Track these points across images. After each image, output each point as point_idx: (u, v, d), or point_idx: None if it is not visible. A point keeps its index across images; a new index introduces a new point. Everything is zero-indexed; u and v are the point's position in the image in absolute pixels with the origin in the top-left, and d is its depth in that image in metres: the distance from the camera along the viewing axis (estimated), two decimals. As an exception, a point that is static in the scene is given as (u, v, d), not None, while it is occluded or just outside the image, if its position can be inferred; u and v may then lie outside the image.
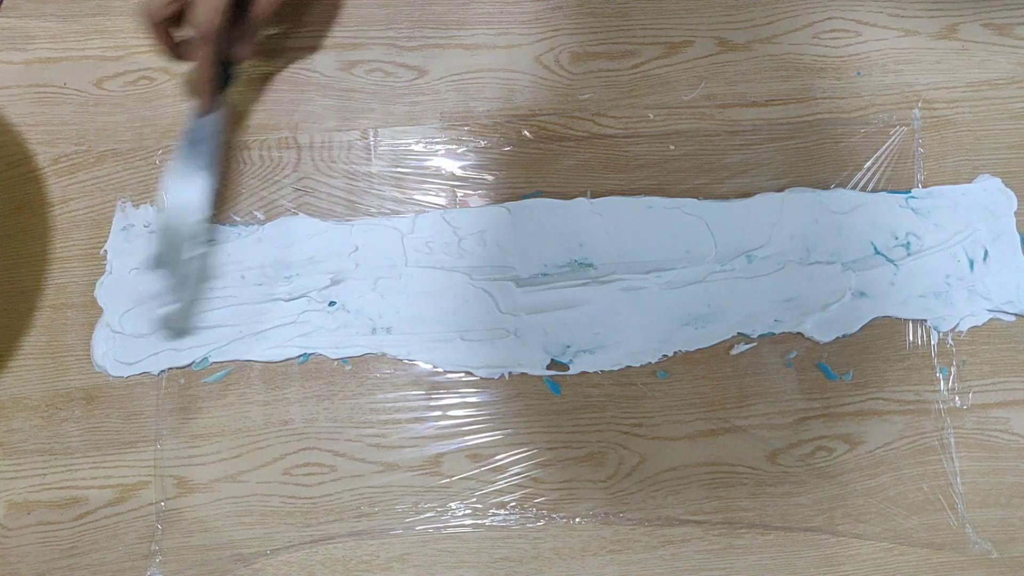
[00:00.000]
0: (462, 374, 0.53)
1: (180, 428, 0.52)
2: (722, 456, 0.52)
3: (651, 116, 0.57)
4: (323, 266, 0.54)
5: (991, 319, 0.54)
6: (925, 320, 0.54)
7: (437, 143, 0.56)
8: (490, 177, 0.56)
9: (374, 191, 0.55)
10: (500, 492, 0.51)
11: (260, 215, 0.55)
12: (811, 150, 0.56)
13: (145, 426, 0.52)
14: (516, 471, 0.52)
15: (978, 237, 0.55)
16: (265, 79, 0.57)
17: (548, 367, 0.53)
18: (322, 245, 0.54)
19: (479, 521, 0.51)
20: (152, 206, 0.55)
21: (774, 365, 0.53)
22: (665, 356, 0.53)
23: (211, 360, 0.53)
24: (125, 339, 0.53)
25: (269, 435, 0.52)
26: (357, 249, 0.54)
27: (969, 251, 0.55)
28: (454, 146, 0.56)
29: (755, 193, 0.55)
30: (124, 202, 0.55)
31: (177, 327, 0.53)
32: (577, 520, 0.51)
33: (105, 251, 0.54)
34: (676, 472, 0.52)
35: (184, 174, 0.52)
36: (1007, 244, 0.55)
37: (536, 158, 0.56)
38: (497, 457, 0.52)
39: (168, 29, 0.51)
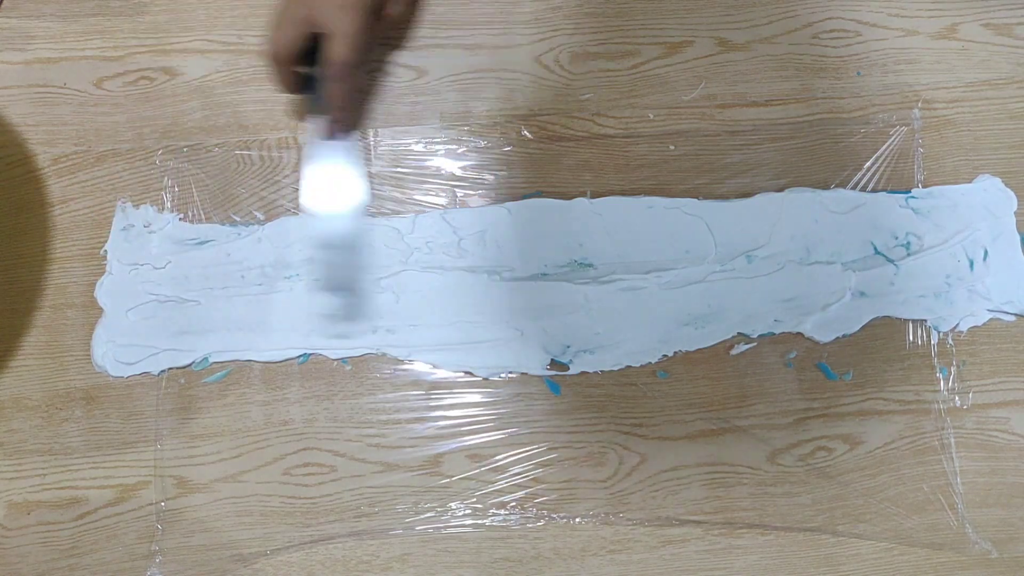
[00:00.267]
0: (462, 374, 0.53)
1: (180, 428, 0.52)
2: (722, 456, 0.52)
3: (651, 116, 0.57)
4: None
5: (991, 319, 0.54)
6: (925, 320, 0.54)
7: (437, 143, 0.56)
8: (490, 177, 0.56)
9: (374, 191, 0.55)
10: (500, 492, 0.51)
11: (260, 215, 0.55)
12: (811, 150, 0.56)
13: (145, 426, 0.52)
14: (516, 471, 0.52)
15: (978, 237, 0.55)
16: (265, 79, 0.57)
17: (548, 367, 0.53)
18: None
19: (479, 521, 0.51)
20: (152, 206, 0.55)
21: (774, 365, 0.53)
22: (665, 356, 0.53)
23: (211, 360, 0.53)
24: (126, 339, 0.53)
25: (269, 435, 0.52)
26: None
27: (969, 251, 0.55)
28: (454, 146, 0.56)
29: (755, 193, 0.55)
30: (124, 202, 0.55)
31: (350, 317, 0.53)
32: (577, 520, 0.51)
33: (105, 251, 0.54)
34: (676, 472, 0.52)
35: (335, 200, 0.53)
36: (1007, 244, 0.55)
37: (536, 158, 0.56)
38: (497, 457, 0.52)
39: (294, 67, 0.51)
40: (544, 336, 0.53)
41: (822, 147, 0.56)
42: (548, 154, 0.56)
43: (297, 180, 0.55)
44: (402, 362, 0.53)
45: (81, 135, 0.56)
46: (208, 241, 0.54)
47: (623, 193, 0.55)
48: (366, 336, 0.53)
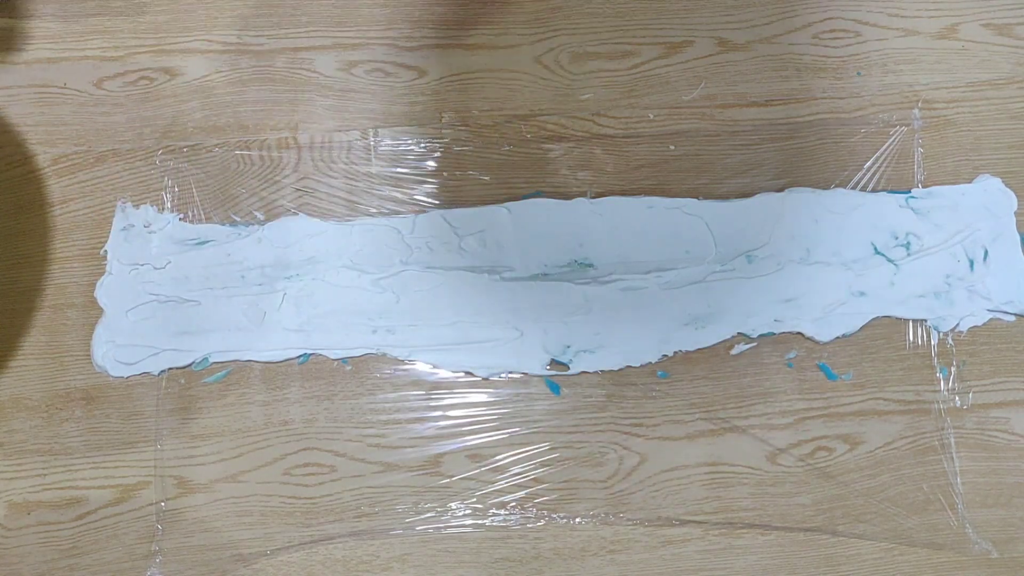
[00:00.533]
0: (462, 374, 0.53)
1: (180, 428, 0.52)
2: (722, 456, 0.52)
3: (651, 116, 0.57)
4: (322, 266, 0.54)
5: (991, 319, 0.54)
6: (925, 320, 0.54)
7: (437, 143, 0.56)
8: (490, 177, 0.56)
9: (374, 191, 0.55)
10: (500, 492, 0.51)
11: (260, 215, 0.55)
12: (811, 150, 0.56)
13: (145, 426, 0.52)
14: (516, 471, 0.52)
15: (978, 237, 0.55)
16: (265, 79, 0.57)
17: (548, 367, 0.53)
18: (322, 245, 0.54)
19: (479, 521, 0.51)
20: (152, 206, 0.55)
21: (774, 365, 0.53)
22: (665, 356, 0.53)
23: (211, 360, 0.53)
24: (126, 339, 0.53)
25: (269, 435, 0.52)
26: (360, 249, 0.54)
27: (969, 251, 0.55)
28: (454, 146, 0.56)
29: (755, 193, 0.55)
30: (124, 202, 0.55)
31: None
32: (577, 520, 0.51)
33: (105, 251, 0.54)
34: (676, 472, 0.52)
35: None
36: (1007, 244, 0.55)
37: (536, 158, 0.56)
38: (497, 457, 0.52)
39: None
40: (544, 336, 0.53)
41: (822, 147, 0.56)
42: (548, 154, 0.56)
43: (297, 180, 0.55)
44: (402, 362, 0.53)
45: (81, 135, 0.56)
46: (208, 241, 0.54)
47: (623, 193, 0.55)
48: (363, 326, 0.53)
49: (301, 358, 0.53)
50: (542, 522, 0.51)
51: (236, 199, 0.55)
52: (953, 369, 0.54)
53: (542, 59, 0.58)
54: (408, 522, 0.51)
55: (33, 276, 0.54)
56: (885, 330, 0.54)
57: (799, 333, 0.53)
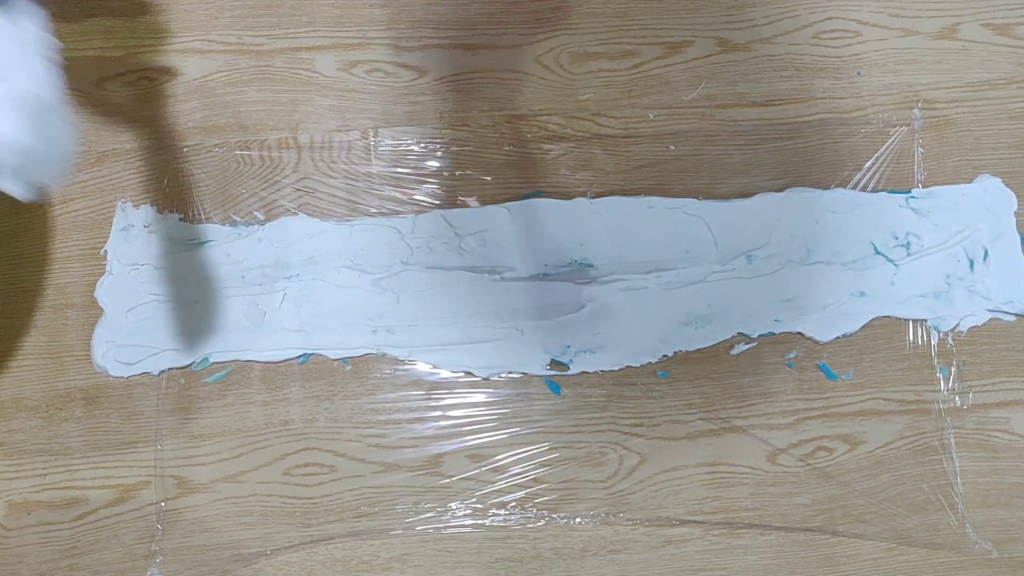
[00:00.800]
0: (462, 374, 0.53)
1: (180, 428, 0.52)
2: (722, 456, 0.52)
3: (651, 116, 0.57)
4: (322, 266, 0.54)
5: (991, 319, 0.54)
6: (925, 320, 0.54)
7: (437, 143, 0.56)
8: (490, 177, 0.56)
9: (374, 191, 0.55)
10: (500, 492, 0.51)
11: (260, 215, 0.55)
12: (811, 150, 0.56)
13: (145, 426, 0.52)
14: (516, 471, 0.52)
15: (978, 237, 0.55)
16: (265, 79, 0.57)
17: (548, 367, 0.53)
18: (322, 245, 0.54)
19: (479, 521, 0.51)
20: (152, 206, 0.55)
21: (774, 365, 0.53)
22: (665, 356, 0.53)
23: (211, 360, 0.53)
24: (126, 339, 0.53)
25: (269, 435, 0.52)
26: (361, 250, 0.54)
27: (969, 251, 0.55)
28: (454, 146, 0.56)
29: (755, 193, 0.55)
30: (124, 202, 0.55)
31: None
32: (577, 520, 0.51)
33: (105, 251, 0.54)
34: (676, 472, 0.52)
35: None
36: (1007, 244, 0.55)
37: (536, 158, 0.56)
38: (497, 457, 0.52)
39: None
40: (544, 336, 0.53)
41: (822, 147, 0.56)
42: (548, 154, 0.56)
43: (297, 180, 0.55)
44: (402, 362, 0.53)
45: (81, 135, 0.56)
46: (208, 241, 0.54)
47: (623, 193, 0.55)
48: (363, 326, 0.53)
49: (301, 358, 0.53)
50: (542, 522, 0.51)
51: (236, 199, 0.55)
52: (953, 369, 0.54)
53: (542, 59, 0.58)
54: (408, 522, 0.51)
55: (33, 276, 0.54)
56: (885, 330, 0.54)
57: (799, 333, 0.53)
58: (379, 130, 0.57)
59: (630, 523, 0.51)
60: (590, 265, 0.54)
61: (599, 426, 0.52)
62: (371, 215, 0.55)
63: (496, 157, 0.56)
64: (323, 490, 0.51)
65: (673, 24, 0.58)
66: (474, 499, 0.51)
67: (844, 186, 0.56)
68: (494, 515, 0.51)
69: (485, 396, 0.53)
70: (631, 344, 0.53)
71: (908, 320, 0.54)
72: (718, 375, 0.53)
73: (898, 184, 0.56)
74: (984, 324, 0.54)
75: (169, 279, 0.54)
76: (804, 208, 0.55)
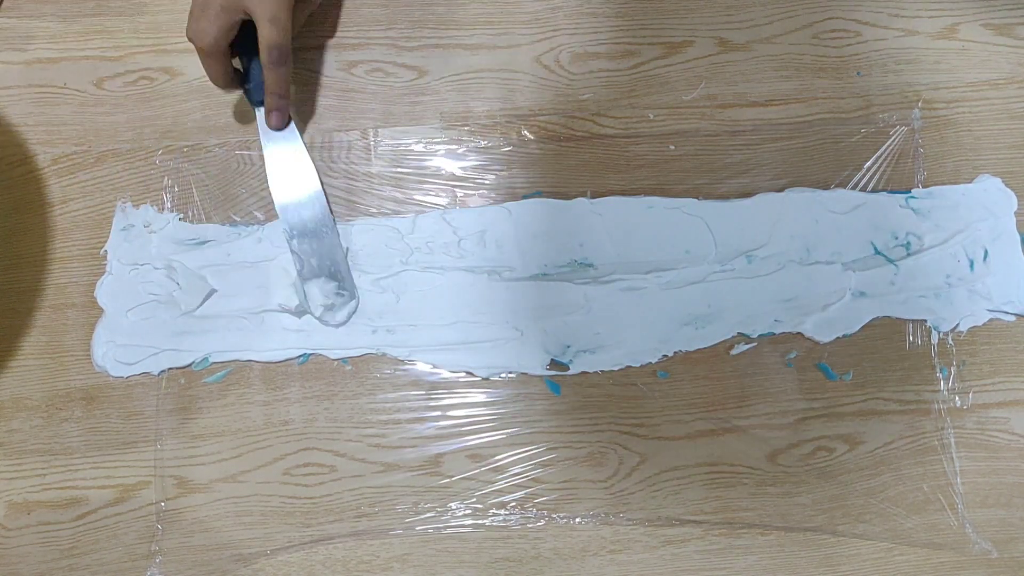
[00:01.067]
0: (462, 374, 0.53)
1: (180, 428, 0.52)
2: (722, 456, 0.52)
3: (651, 116, 0.57)
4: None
5: (991, 319, 0.54)
6: (925, 320, 0.54)
7: (437, 143, 0.56)
8: (490, 177, 0.56)
9: (374, 191, 0.55)
10: (500, 492, 0.51)
11: (260, 215, 0.55)
12: (811, 150, 0.56)
13: (145, 426, 0.52)
14: (516, 471, 0.52)
15: (978, 237, 0.55)
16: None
17: (548, 367, 0.53)
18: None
19: (479, 521, 0.51)
20: (152, 206, 0.55)
21: (774, 365, 0.53)
22: (665, 356, 0.53)
23: (211, 360, 0.53)
24: (126, 339, 0.53)
25: (269, 435, 0.52)
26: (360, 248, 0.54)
27: (969, 251, 0.55)
28: (454, 146, 0.56)
29: (755, 193, 0.55)
30: (124, 202, 0.55)
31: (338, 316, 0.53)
32: (577, 520, 0.51)
33: (105, 251, 0.54)
34: (676, 472, 0.52)
35: (293, 189, 0.54)
36: (1007, 244, 0.55)
37: (536, 158, 0.56)
38: (497, 457, 0.52)
39: (228, 57, 0.51)
40: (544, 336, 0.53)
41: (822, 147, 0.56)
42: (548, 154, 0.56)
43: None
44: (402, 362, 0.53)
45: (81, 135, 0.56)
46: (208, 241, 0.54)
47: (623, 193, 0.55)
48: (363, 326, 0.53)
49: (301, 358, 0.53)
50: (542, 522, 0.51)
51: (236, 199, 0.55)
52: (953, 369, 0.54)
53: (542, 59, 0.58)
54: (408, 522, 0.51)
55: (33, 276, 0.54)
56: (885, 330, 0.54)
57: (799, 333, 0.53)
58: (379, 130, 0.57)
59: (630, 523, 0.51)
60: (590, 265, 0.54)
61: (599, 426, 0.52)
62: (371, 215, 0.55)
63: (496, 157, 0.56)
64: (323, 490, 0.51)
65: (673, 24, 0.58)
66: (474, 499, 0.51)
67: (844, 186, 0.56)
68: (494, 515, 0.51)
69: (485, 396, 0.53)
70: (631, 344, 0.53)
71: (908, 320, 0.54)
72: (718, 375, 0.53)
73: (898, 184, 0.56)
74: (984, 324, 0.54)
75: (169, 279, 0.54)
76: (804, 208, 0.55)
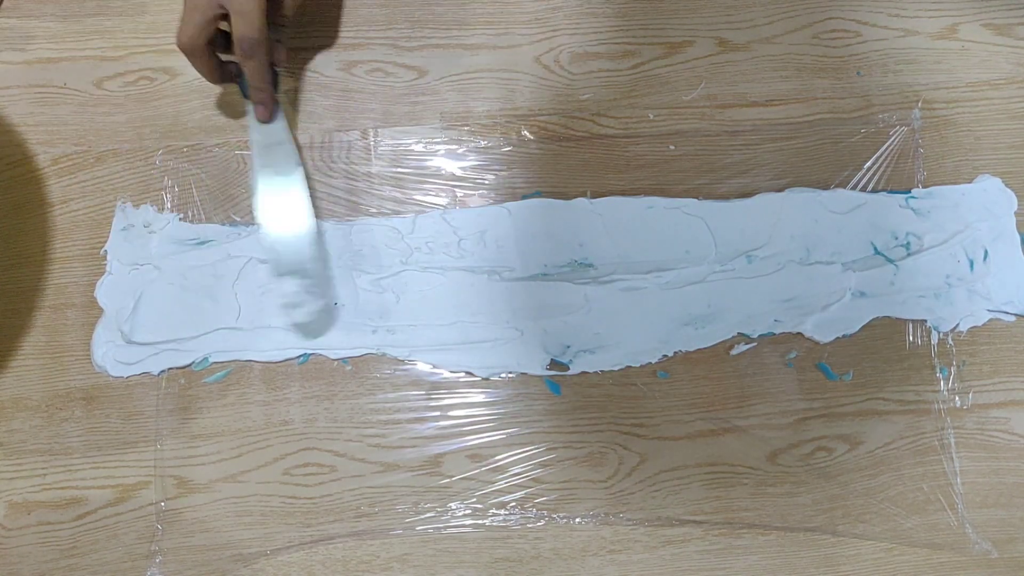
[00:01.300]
0: (462, 374, 0.53)
1: (180, 428, 0.52)
2: (722, 456, 0.52)
3: (651, 116, 0.57)
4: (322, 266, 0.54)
5: (991, 319, 0.54)
6: (925, 320, 0.54)
7: (437, 143, 0.56)
8: (490, 177, 0.56)
9: (374, 191, 0.55)
10: (500, 492, 0.51)
11: (260, 215, 0.55)
12: (811, 150, 0.56)
13: (145, 426, 0.52)
14: (516, 471, 0.52)
15: (978, 237, 0.55)
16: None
17: (548, 367, 0.53)
18: (322, 245, 0.54)
19: (479, 521, 0.51)
20: (152, 206, 0.55)
21: (774, 365, 0.53)
22: (665, 356, 0.53)
23: (211, 360, 0.53)
24: (126, 340, 0.53)
25: (269, 435, 0.52)
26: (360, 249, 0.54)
27: (969, 251, 0.55)
28: (454, 146, 0.56)
29: (755, 193, 0.55)
30: (124, 202, 0.55)
31: (316, 326, 0.53)
32: (577, 520, 0.51)
33: (105, 251, 0.54)
34: (676, 472, 0.52)
35: (273, 182, 0.53)
36: (1007, 244, 0.55)
37: (536, 158, 0.56)
38: (497, 457, 0.52)
39: (210, 54, 0.51)
40: (544, 336, 0.53)
41: (822, 147, 0.56)
42: (548, 154, 0.56)
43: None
44: (402, 362, 0.53)
45: (81, 135, 0.56)
46: (208, 241, 0.54)
47: (623, 193, 0.55)
48: (363, 326, 0.53)
49: (301, 358, 0.53)
50: (542, 522, 0.51)
51: (236, 199, 0.55)
52: (953, 369, 0.54)
53: (542, 59, 0.58)
54: (408, 522, 0.51)
55: (33, 276, 0.54)
56: (885, 330, 0.54)
57: (799, 333, 0.53)
58: (379, 130, 0.57)
59: (630, 523, 0.51)
60: (590, 265, 0.54)
61: (599, 426, 0.52)
62: (371, 215, 0.55)
63: (496, 157, 0.56)
64: (323, 490, 0.51)
65: (673, 24, 0.58)
66: (474, 499, 0.51)
67: (844, 186, 0.56)
68: (494, 515, 0.51)
69: (485, 396, 0.53)
70: (631, 344, 0.53)
71: (908, 320, 0.54)
72: (718, 375, 0.53)
73: (898, 184, 0.56)
74: (984, 324, 0.54)
75: (169, 279, 0.54)
76: (804, 208, 0.55)
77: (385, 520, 0.51)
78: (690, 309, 0.53)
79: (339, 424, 0.52)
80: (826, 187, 0.56)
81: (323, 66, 0.57)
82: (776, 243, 0.54)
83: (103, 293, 0.53)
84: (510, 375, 0.53)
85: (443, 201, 0.55)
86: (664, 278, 0.54)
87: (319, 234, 0.54)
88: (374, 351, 0.53)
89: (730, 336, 0.53)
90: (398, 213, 0.55)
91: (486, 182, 0.56)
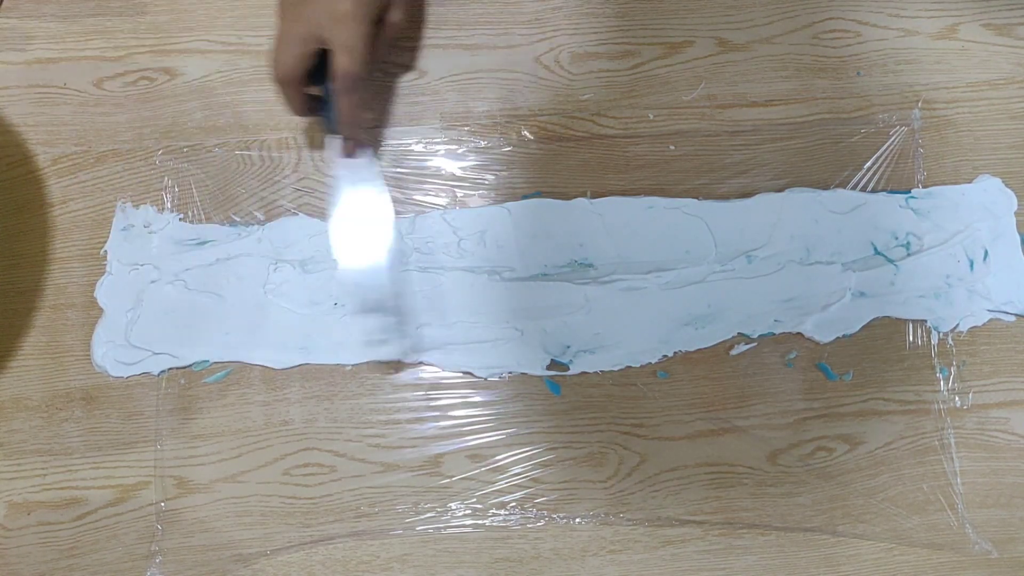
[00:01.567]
0: (462, 374, 0.53)
1: (180, 428, 0.52)
2: (722, 456, 0.52)
3: (651, 116, 0.57)
4: (323, 266, 0.54)
5: (991, 319, 0.54)
6: (925, 320, 0.54)
7: (437, 143, 0.56)
8: (490, 177, 0.56)
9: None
10: (500, 492, 0.51)
11: (260, 215, 0.55)
12: (811, 150, 0.56)
13: (145, 426, 0.52)
14: (516, 471, 0.52)
15: (978, 237, 0.55)
16: (265, 79, 0.57)
17: (548, 367, 0.53)
18: (322, 245, 0.54)
19: (479, 521, 0.51)
20: (152, 206, 0.55)
21: (774, 365, 0.53)
22: (665, 356, 0.53)
23: (211, 360, 0.53)
24: (126, 339, 0.53)
25: (269, 435, 0.52)
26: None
27: (969, 251, 0.55)
28: (454, 146, 0.56)
29: (755, 193, 0.55)
30: (124, 202, 0.55)
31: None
32: (577, 520, 0.51)
33: (105, 251, 0.54)
34: (676, 472, 0.52)
35: (359, 220, 0.52)
36: (1007, 244, 0.55)
37: (536, 158, 0.56)
38: (497, 457, 0.52)
39: (303, 87, 0.50)
40: (544, 336, 0.53)
41: (822, 147, 0.56)
42: (548, 154, 0.56)
43: (297, 180, 0.55)
44: (402, 362, 0.53)
45: (81, 135, 0.56)
46: (208, 241, 0.54)
47: (623, 193, 0.55)
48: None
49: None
50: (542, 522, 0.51)
51: (236, 199, 0.55)
52: (953, 369, 0.54)
53: (542, 59, 0.58)
54: (408, 522, 0.51)
55: (33, 276, 0.54)
56: (885, 330, 0.54)
57: (799, 333, 0.53)
58: (379, 130, 0.56)
59: (630, 523, 0.51)
60: (590, 265, 0.54)
61: (599, 426, 0.52)
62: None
63: (496, 157, 0.56)
64: (323, 490, 0.51)
65: (673, 24, 0.58)
66: (474, 499, 0.51)
67: (844, 186, 0.56)
68: (494, 515, 0.51)
69: (485, 396, 0.53)
70: (631, 344, 0.53)
71: (908, 320, 0.54)
72: (718, 375, 0.53)
73: (898, 184, 0.56)
74: (984, 324, 0.54)
75: (169, 279, 0.54)
76: (804, 208, 0.55)
77: (385, 520, 0.51)
78: (690, 309, 0.53)
79: (339, 424, 0.52)
80: (826, 187, 0.56)
81: (323, 66, 0.57)
82: (776, 243, 0.54)
83: (103, 293, 0.53)
84: (510, 375, 0.53)
85: (443, 201, 0.55)
86: (664, 278, 0.54)
87: (401, 273, 0.53)
88: (374, 351, 0.53)
89: (730, 336, 0.53)
90: (398, 213, 0.55)
91: (486, 182, 0.56)
